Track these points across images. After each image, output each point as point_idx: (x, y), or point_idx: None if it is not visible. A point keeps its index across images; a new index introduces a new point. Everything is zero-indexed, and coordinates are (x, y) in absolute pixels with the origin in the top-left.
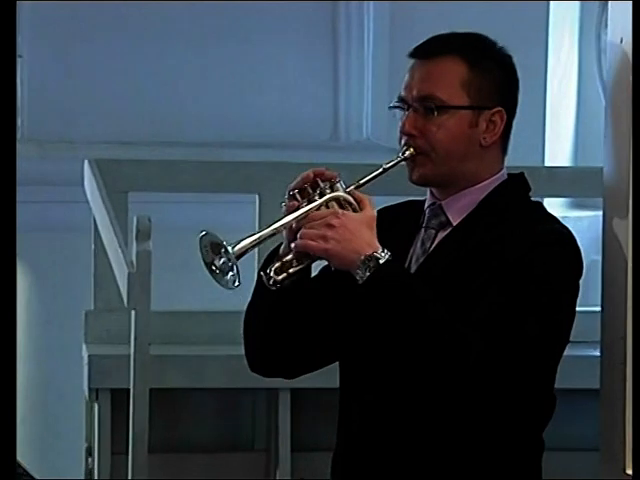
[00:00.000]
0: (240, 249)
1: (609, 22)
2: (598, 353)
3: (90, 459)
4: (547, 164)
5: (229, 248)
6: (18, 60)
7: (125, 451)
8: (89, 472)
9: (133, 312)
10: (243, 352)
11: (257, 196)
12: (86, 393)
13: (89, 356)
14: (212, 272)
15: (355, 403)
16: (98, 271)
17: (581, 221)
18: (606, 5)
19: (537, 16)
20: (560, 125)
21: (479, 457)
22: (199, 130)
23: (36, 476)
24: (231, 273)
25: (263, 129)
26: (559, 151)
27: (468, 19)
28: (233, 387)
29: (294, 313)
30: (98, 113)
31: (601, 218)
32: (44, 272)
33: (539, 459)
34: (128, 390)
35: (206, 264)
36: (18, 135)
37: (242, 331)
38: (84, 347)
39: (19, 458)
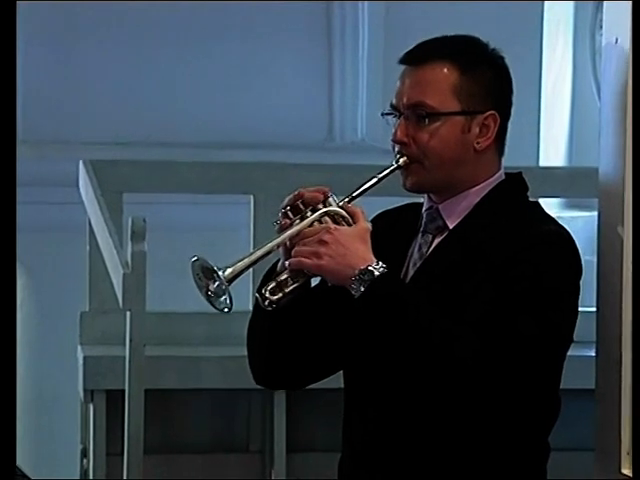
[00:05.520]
0: (231, 273)
1: (604, 22)
2: (593, 353)
3: (85, 460)
4: (542, 164)
5: (220, 273)
6: None
7: (120, 452)
8: (84, 473)
9: (128, 313)
10: (238, 353)
11: (252, 197)
12: (81, 394)
13: (84, 357)
14: (207, 296)
15: (358, 412)
16: (93, 272)
17: (576, 221)
18: (600, 5)
19: (531, 16)
20: (555, 125)
21: (483, 462)
22: (194, 131)
23: (32, 477)
24: (224, 297)
25: (258, 130)
26: (554, 151)
27: (462, 20)
28: (228, 388)
29: (293, 328)
30: (93, 114)
31: (596, 218)
32: (39, 273)
33: (544, 463)
34: (123, 391)
35: (200, 289)
36: None
37: (246, 346)
38: (79, 348)
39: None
